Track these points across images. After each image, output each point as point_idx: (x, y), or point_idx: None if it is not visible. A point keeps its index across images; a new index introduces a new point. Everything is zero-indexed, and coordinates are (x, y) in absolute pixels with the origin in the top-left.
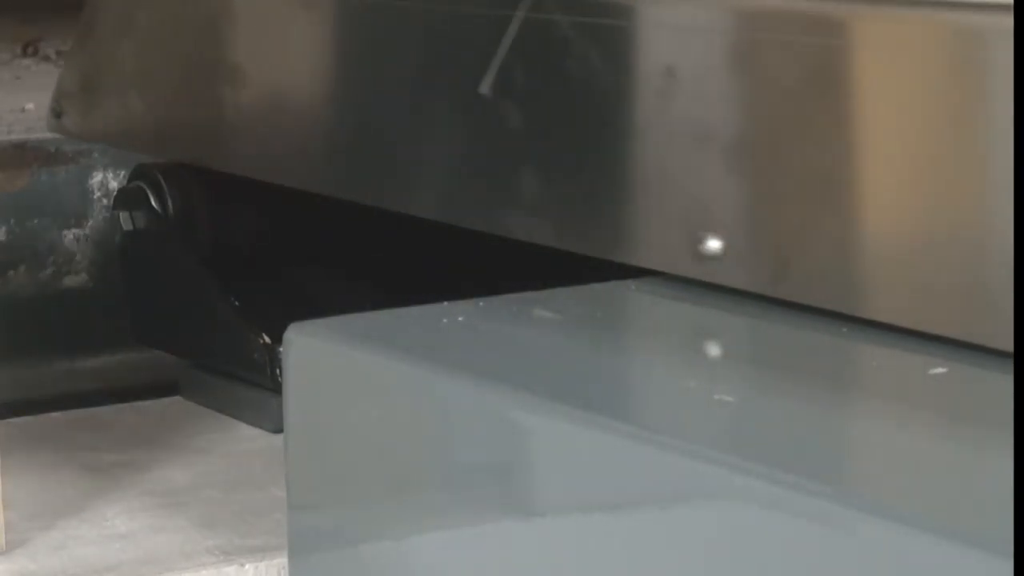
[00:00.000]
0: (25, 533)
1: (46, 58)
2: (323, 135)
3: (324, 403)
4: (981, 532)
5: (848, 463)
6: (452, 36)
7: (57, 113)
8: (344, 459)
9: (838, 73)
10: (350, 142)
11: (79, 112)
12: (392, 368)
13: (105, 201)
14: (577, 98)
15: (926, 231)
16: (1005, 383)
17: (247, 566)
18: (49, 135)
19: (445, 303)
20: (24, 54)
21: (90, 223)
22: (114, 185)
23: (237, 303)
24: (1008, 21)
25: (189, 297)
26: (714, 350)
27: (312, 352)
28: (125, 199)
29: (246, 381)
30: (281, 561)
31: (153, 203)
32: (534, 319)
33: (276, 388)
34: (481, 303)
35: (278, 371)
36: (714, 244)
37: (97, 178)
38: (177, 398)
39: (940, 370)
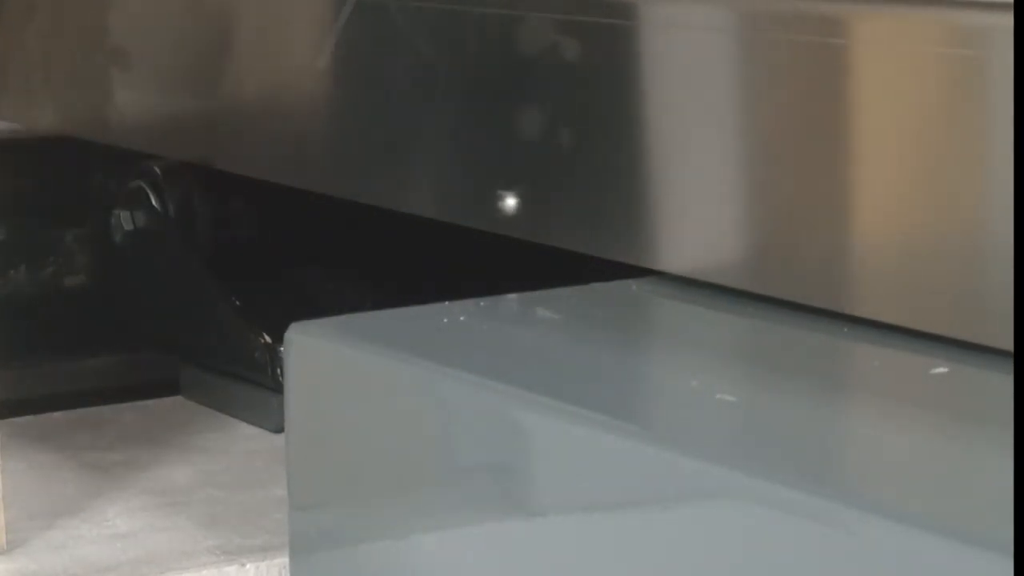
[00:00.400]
0: (26, 532)
1: None
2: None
3: (325, 403)
4: (982, 532)
5: (850, 463)
6: (452, 35)
7: None
8: (345, 459)
9: (837, 72)
10: (350, 142)
11: None
12: (393, 368)
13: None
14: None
15: (926, 231)
16: (1006, 383)
17: (248, 566)
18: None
19: (446, 303)
20: None
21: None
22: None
23: (238, 303)
24: (1006, 20)
25: (190, 297)
26: (715, 350)
27: (313, 352)
28: (126, 199)
29: (247, 380)
30: (282, 561)
31: (154, 203)
32: (535, 319)
33: (277, 388)
34: (482, 303)
35: (279, 371)
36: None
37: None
38: (178, 397)
39: (941, 370)
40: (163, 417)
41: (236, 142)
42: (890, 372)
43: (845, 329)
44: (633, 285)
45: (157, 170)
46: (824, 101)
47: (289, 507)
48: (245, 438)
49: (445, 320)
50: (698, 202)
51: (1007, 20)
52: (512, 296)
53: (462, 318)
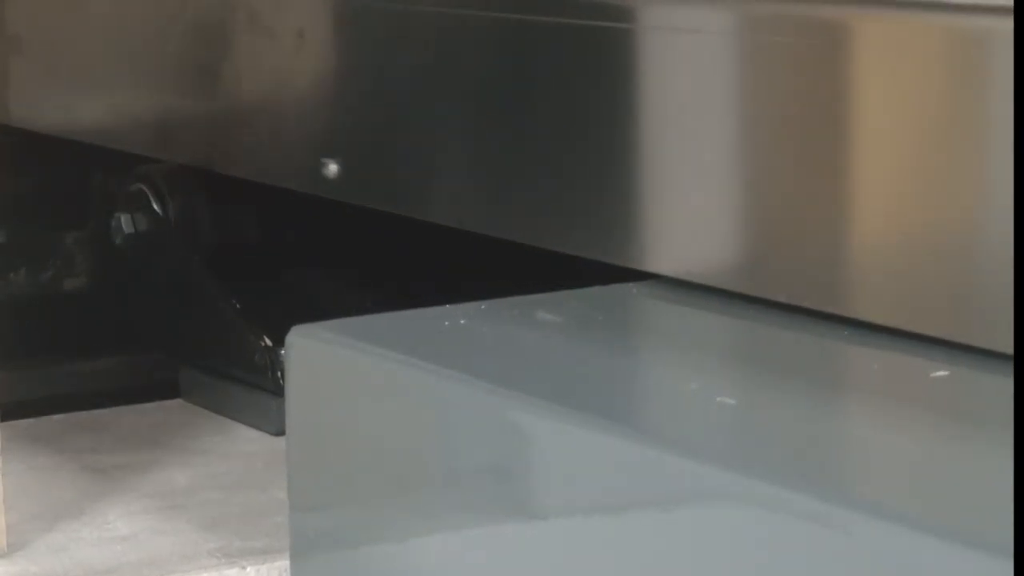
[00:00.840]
0: (26, 535)
1: None
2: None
3: (326, 405)
4: (981, 534)
5: (849, 466)
6: (455, 40)
7: None
8: (346, 461)
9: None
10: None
11: None
12: (394, 370)
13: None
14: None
15: (925, 234)
16: (1005, 386)
17: (248, 568)
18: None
19: (447, 306)
20: None
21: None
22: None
23: (238, 305)
24: (1005, 24)
25: (190, 299)
26: (714, 353)
27: (314, 354)
28: (126, 202)
29: (247, 383)
30: (283, 563)
31: (154, 205)
32: (536, 322)
33: (277, 390)
34: (483, 306)
35: (279, 373)
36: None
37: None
38: (178, 400)
39: (942, 373)
40: (163, 420)
41: (237, 145)
42: (889, 375)
43: (844, 332)
44: (633, 289)
45: (158, 173)
46: (820, 104)
47: (290, 509)
48: (245, 441)
49: (446, 323)
50: (697, 206)
51: (1006, 23)
52: (513, 299)
53: (463, 321)
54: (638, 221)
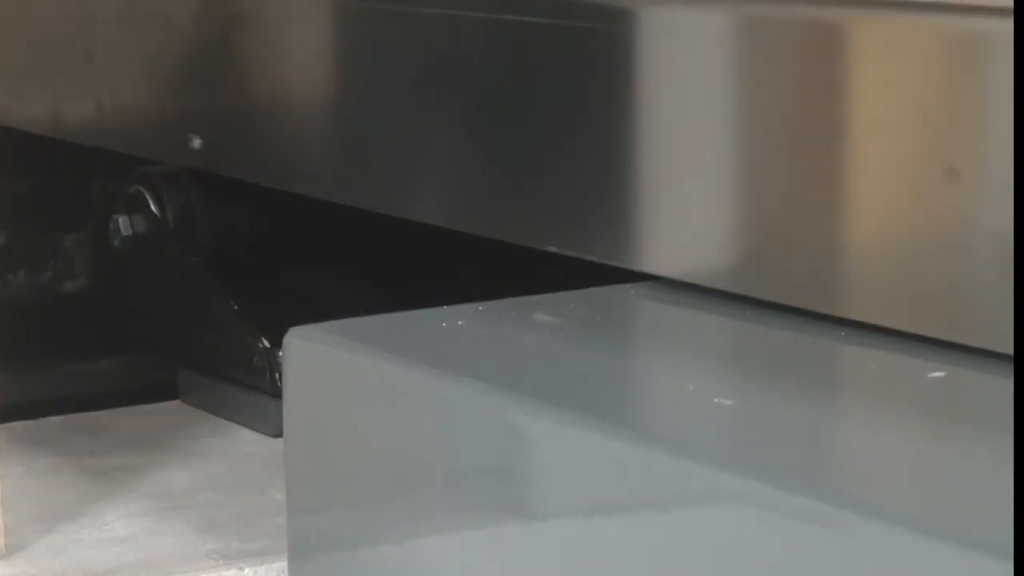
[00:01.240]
0: (25, 537)
1: None
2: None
3: (324, 407)
4: (981, 535)
5: (848, 467)
6: (452, 41)
7: None
8: (344, 463)
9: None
10: (350, 146)
11: None
12: (392, 372)
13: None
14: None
15: (923, 234)
16: (1004, 386)
17: (247, 570)
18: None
19: (445, 307)
20: None
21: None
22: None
23: (237, 307)
24: (1004, 25)
25: (189, 301)
26: (713, 354)
27: (312, 356)
28: (125, 203)
29: (246, 385)
30: (281, 565)
31: (153, 207)
32: (533, 323)
33: (275, 392)
34: (481, 307)
35: (278, 375)
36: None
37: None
38: (176, 402)
39: (939, 374)
40: (162, 421)
41: (236, 147)
42: (887, 376)
43: (842, 333)
44: (631, 289)
45: (156, 175)
46: (819, 105)
47: (288, 511)
48: (244, 442)
49: (444, 324)
50: (695, 207)
51: (1005, 25)
52: (511, 300)
53: (460, 322)
54: (636, 222)
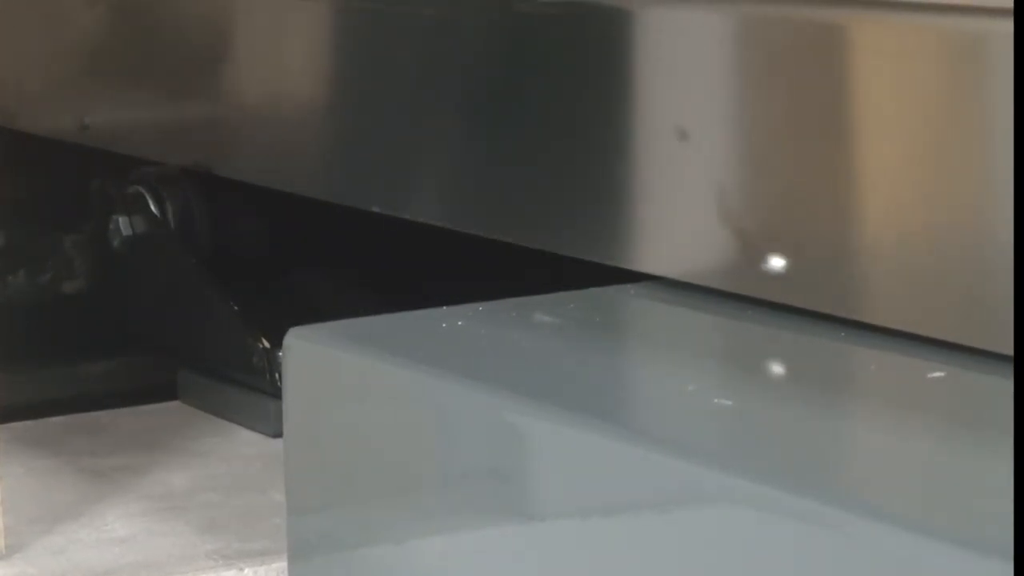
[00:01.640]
0: (24, 537)
1: None
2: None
3: (324, 407)
4: (981, 536)
5: (848, 467)
6: (451, 42)
7: None
8: (344, 463)
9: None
10: (348, 148)
11: None
12: (392, 372)
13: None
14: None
15: (925, 235)
16: (1004, 386)
17: (246, 570)
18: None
19: (444, 307)
20: None
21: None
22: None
23: (236, 307)
24: (1006, 25)
25: (188, 302)
26: (712, 354)
27: (312, 356)
28: (125, 204)
29: (245, 385)
30: (280, 565)
31: (153, 208)
32: (533, 323)
33: (275, 392)
34: (480, 307)
35: (277, 375)
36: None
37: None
38: (176, 402)
39: (938, 374)
40: (161, 422)
41: (235, 147)
42: (887, 376)
43: (842, 333)
44: (631, 290)
45: (156, 176)
46: (821, 105)
47: (287, 511)
48: (243, 443)
49: (444, 324)
50: (694, 207)
51: (1006, 25)
52: (510, 301)
53: (460, 323)
54: (635, 222)
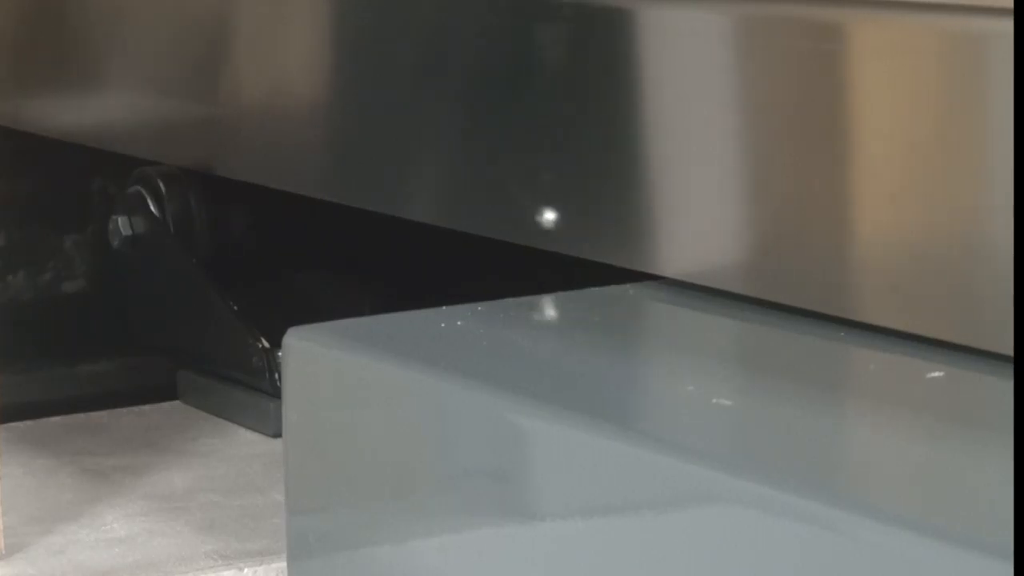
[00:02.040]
0: (24, 537)
1: None
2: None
3: (323, 407)
4: (981, 536)
5: (848, 467)
6: (451, 38)
7: None
8: (343, 463)
9: (835, 76)
10: (348, 147)
11: None
12: (391, 372)
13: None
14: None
15: (924, 235)
16: (1003, 387)
17: (246, 570)
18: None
19: (444, 307)
20: None
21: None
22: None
23: (236, 307)
24: (1005, 25)
25: (188, 301)
26: (712, 354)
27: (311, 356)
28: (125, 204)
29: (245, 385)
30: (280, 565)
31: (152, 208)
32: (533, 323)
33: (275, 392)
34: (480, 307)
35: (277, 375)
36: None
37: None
38: (176, 402)
39: (938, 374)
40: (161, 422)
41: (235, 147)
42: (887, 376)
43: (842, 333)
44: (630, 289)
45: (156, 176)
46: (822, 105)
47: (287, 511)
48: (243, 443)
49: (443, 324)
50: (696, 206)
51: (1006, 25)
52: (510, 300)
53: (460, 322)
54: (636, 222)
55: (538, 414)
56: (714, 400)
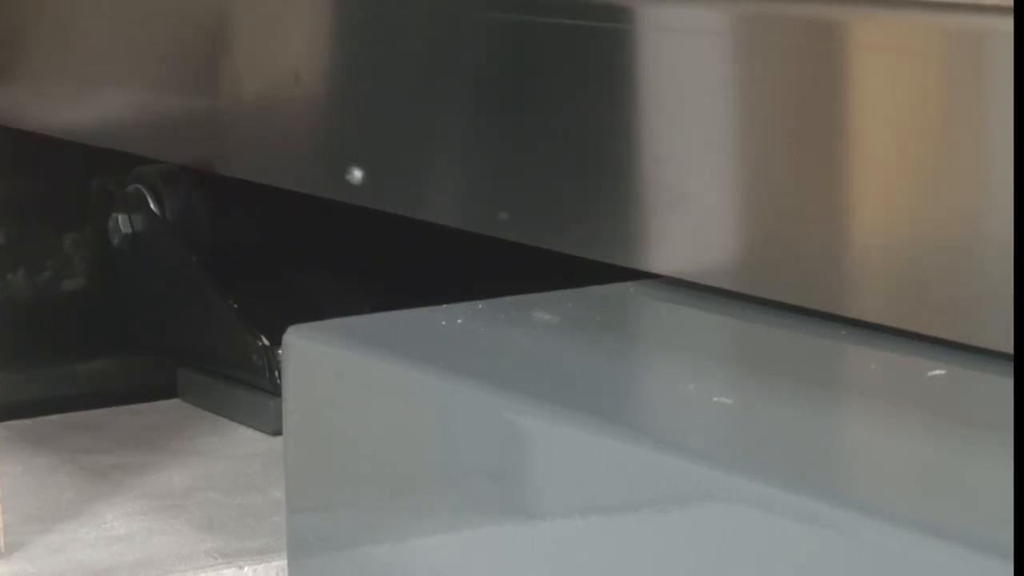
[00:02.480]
0: (24, 536)
1: None
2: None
3: (323, 406)
4: (981, 535)
5: (848, 466)
6: (454, 39)
7: None
8: (343, 462)
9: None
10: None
11: None
12: (391, 371)
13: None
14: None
15: (924, 233)
16: (1003, 385)
17: (246, 568)
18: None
19: (444, 306)
20: None
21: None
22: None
23: (236, 306)
24: (1005, 23)
25: (188, 300)
26: (712, 353)
27: (311, 355)
28: (124, 202)
29: (245, 383)
30: (280, 563)
31: (152, 207)
32: (533, 322)
33: (275, 391)
34: (480, 305)
35: (277, 373)
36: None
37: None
38: (176, 401)
39: (938, 372)
40: (161, 420)
41: (235, 146)
42: (887, 375)
43: (843, 332)
44: (630, 288)
45: (156, 174)
46: (821, 104)
47: (287, 510)
48: (243, 441)
49: (443, 323)
50: (695, 205)
51: (1005, 23)
52: (510, 299)
53: (460, 321)
54: (635, 221)
55: (538, 413)
56: (714, 399)
